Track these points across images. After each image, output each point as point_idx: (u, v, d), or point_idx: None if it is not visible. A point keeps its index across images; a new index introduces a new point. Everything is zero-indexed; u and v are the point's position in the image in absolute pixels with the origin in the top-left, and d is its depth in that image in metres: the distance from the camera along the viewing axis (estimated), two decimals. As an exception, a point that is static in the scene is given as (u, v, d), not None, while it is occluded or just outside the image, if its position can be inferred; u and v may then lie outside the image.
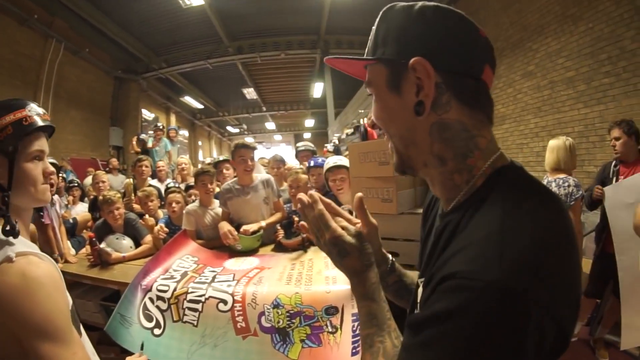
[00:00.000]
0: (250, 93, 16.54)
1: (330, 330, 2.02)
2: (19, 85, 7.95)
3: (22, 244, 1.06)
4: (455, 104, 0.70)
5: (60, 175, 4.33)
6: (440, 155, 0.73)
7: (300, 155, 5.24)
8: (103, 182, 4.56)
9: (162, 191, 4.45)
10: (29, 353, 0.96)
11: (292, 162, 5.13)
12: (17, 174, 1.10)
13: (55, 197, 3.81)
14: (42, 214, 3.23)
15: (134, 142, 8.25)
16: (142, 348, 1.79)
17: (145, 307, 2.35)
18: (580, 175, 4.18)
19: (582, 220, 3.72)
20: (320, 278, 2.33)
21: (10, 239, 1.04)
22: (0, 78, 7.38)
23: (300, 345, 2.02)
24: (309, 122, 22.01)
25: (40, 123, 1.16)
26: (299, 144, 5.56)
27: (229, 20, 10.44)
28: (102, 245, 3.11)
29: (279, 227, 3.25)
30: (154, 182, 5.45)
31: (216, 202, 3.55)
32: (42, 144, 1.18)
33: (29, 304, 0.96)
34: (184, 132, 18.66)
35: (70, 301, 1.14)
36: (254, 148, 3.32)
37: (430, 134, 0.72)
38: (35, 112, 1.16)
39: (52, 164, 3.61)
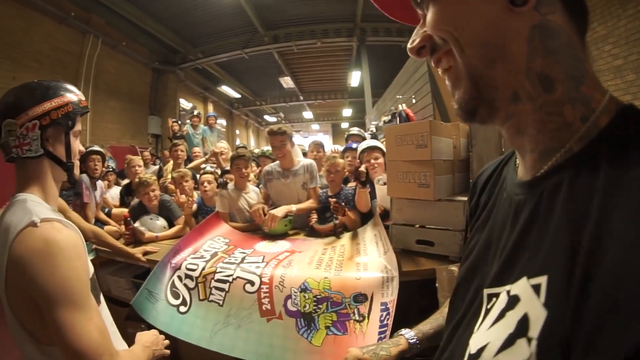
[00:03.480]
0: (287, 82, 16.55)
1: (357, 318, 1.96)
2: (60, 79, 8.07)
3: (50, 211, 1.11)
4: (560, 5, 0.50)
5: (106, 163, 4.48)
6: (545, 76, 0.50)
7: (351, 138, 5.28)
8: (140, 166, 4.72)
9: (197, 175, 4.51)
10: (46, 317, 0.98)
11: (332, 148, 5.22)
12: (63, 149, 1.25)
13: (99, 182, 3.94)
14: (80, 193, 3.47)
15: (170, 126, 8.44)
16: None
17: (173, 285, 2.37)
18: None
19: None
20: (351, 264, 2.27)
21: (36, 208, 1.08)
22: (42, 73, 7.63)
23: (325, 332, 1.97)
24: (347, 112, 21.82)
25: (88, 107, 1.34)
26: (352, 128, 5.67)
27: (263, 10, 10.41)
28: (136, 225, 3.19)
29: (313, 211, 3.22)
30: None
31: (250, 187, 3.60)
32: (80, 125, 1.31)
33: (48, 268, 0.98)
34: (222, 121, 18.88)
35: (92, 270, 1.18)
36: (282, 132, 3.28)
37: (529, 41, 0.50)
38: (83, 97, 1.33)
39: (97, 151, 3.80)
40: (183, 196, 3.39)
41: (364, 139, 5.12)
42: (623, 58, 5.20)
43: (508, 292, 0.51)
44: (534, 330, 0.43)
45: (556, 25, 0.49)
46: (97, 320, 1.05)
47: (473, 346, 0.53)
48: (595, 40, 5.66)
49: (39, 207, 1.09)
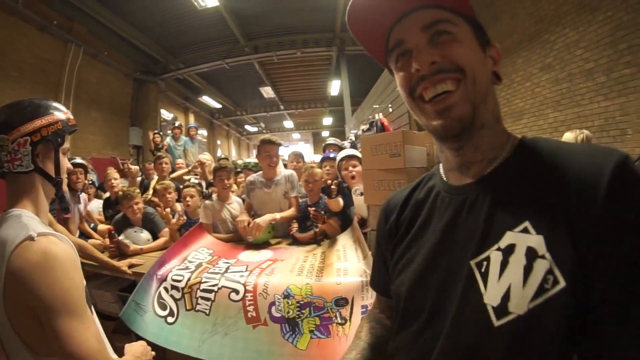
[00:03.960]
0: (267, 92, 16.60)
1: (339, 321, 2.04)
2: (40, 88, 8.17)
3: (43, 227, 1.16)
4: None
5: (87, 174, 4.48)
6: (497, 115, 0.79)
7: (328, 148, 5.41)
8: (115, 179, 4.69)
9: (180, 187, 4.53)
10: (45, 327, 1.03)
11: (310, 159, 5.29)
12: (52, 165, 1.30)
13: (82, 195, 3.96)
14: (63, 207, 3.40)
15: (152, 139, 8.38)
16: None
17: (159, 296, 2.41)
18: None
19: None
20: (331, 270, 2.35)
21: (31, 222, 1.14)
22: (23, 82, 7.62)
23: (309, 336, 2.04)
24: (327, 120, 21.99)
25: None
26: (329, 138, 5.85)
27: (244, 20, 10.50)
28: (121, 238, 3.21)
29: (293, 221, 3.29)
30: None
31: (233, 197, 3.65)
32: (68, 143, 1.36)
33: (48, 279, 1.04)
34: (203, 132, 18.84)
35: (84, 282, 1.22)
36: (280, 144, 3.41)
37: (494, 97, 0.79)
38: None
39: (79, 164, 3.81)
40: (167, 209, 3.43)
41: (341, 147, 5.27)
42: (594, 61, 5.39)
43: (499, 248, 0.67)
44: (542, 250, 0.61)
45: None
46: (94, 329, 1.12)
47: (492, 301, 0.65)
48: (568, 45, 5.88)
49: (33, 222, 1.15)
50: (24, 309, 1.05)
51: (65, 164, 1.36)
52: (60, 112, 1.31)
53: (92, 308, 1.28)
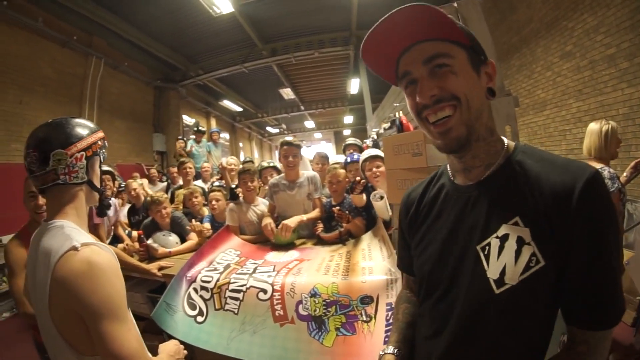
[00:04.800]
0: (287, 93, 16.57)
1: (364, 319, 2.08)
2: (64, 101, 8.41)
3: (85, 236, 1.23)
4: None
5: (117, 182, 4.61)
6: (491, 128, 0.98)
7: (348, 149, 5.51)
8: (135, 189, 4.80)
9: (207, 190, 4.66)
10: (91, 330, 1.12)
11: (333, 159, 5.33)
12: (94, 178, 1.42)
13: (112, 200, 4.09)
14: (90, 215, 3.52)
15: (178, 147, 8.60)
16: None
17: (189, 297, 2.49)
18: (627, 161, 3.76)
19: (630, 211, 3.52)
20: (357, 269, 2.38)
21: (73, 233, 1.21)
22: (48, 95, 7.83)
23: (335, 333, 2.08)
24: (348, 119, 21.86)
25: None
26: (348, 139, 5.88)
27: (259, 24, 10.52)
28: (150, 242, 3.31)
29: (318, 221, 3.33)
30: (199, 182, 5.70)
31: (259, 199, 3.71)
32: None
33: (94, 287, 1.12)
34: (225, 135, 19.02)
35: (124, 287, 1.29)
36: (297, 146, 3.46)
37: (488, 112, 0.97)
38: None
39: (107, 171, 3.95)
40: (198, 223, 3.55)
41: (360, 147, 5.39)
42: (615, 46, 5.18)
43: (497, 236, 0.90)
44: (528, 239, 0.85)
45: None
46: (134, 331, 1.21)
47: (493, 275, 0.89)
48: (587, 31, 5.68)
49: (75, 232, 1.22)
50: (69, 313, 1.13)
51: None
52: (100, 131, 1.44)
53: (129, 310, 1.35)
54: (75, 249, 1.14)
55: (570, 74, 6.27)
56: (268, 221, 3.21)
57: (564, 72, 6.42)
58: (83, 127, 1.36)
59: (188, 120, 14.58)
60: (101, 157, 1.43)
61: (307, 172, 3.65)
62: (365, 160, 3.30)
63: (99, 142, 1.41)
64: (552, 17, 6.48)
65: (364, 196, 3.13)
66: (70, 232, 1.21)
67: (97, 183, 1.42)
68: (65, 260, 1.13)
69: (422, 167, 2.33)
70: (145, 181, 6.86)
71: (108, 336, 1.10)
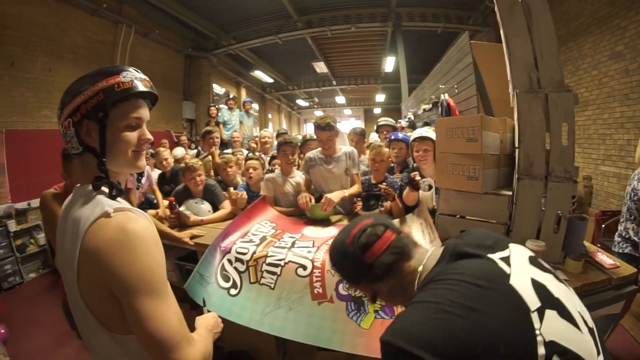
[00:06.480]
0: (320, 67, 16.44)
1: None
2: (94, 68, 8.18)
3: (118, 202, 1.11)
4: None
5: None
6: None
7: (381, 129, 5.32)
8: (166, 158, 4.82)
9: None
10: (125, 307, 0.99)
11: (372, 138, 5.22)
12: (110, 140, 1.13)
13: (147, 166, 4.05)
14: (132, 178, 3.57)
15: (212, 113, 8.68)
16: (204, 304, 1.78)
17: (223, 268, 2.46)
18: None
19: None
20: None
21: (104, 198, 1.09)
22: (78, 63, 7.84)
23: (373, 316, 2.05)
24: (380, 97, 21.59)
25: (139, 89, 1.17)
26: (380, 119, 5.58)
27: (297, -6, 10.26)
28: (182, 209, 3.28)
29: (357, 199, 3.26)
30: (229, 151, 5.61)
31: (296, 172, 3.67)
32: (139, 110, 1.20)
33: (129, 258, 0.98)
34: (255, 106, 18.98)
35: (164, 258, 1.15)
36: (329, 127, 3.28)
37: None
38: (132, 77, 1.17)
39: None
40: (236, 191, 3.46)
41: (394, 128, 5.20)
42: None
43: None
44: None
45: None
46: (175, 307, 1.06)
47: None
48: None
49: (107, 198, 1.10)
50: (100, 288, 1.01)
51: (133, 137, 1.17)
52: (104, 80, 1.11)
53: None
54: (107, 215, 1.02)
55: (617, 76, 5.93)
56: (305, 194, 3.16)
57: (611, 72, 6.07)
58: (76, 86, 1.11)
59: (218, 89, 14.61)
60: (95, 117, 1.10)
61: (344, 147, 3.56)
62: (415, 140, 3.20)
63: (92, 100, 1.08)
64: (605, 13, 6.10)
65: (417, 197, 3.00)
66: (101, 198, 1.09)
67: (108, 148, 1.13)
68: (97, 228, 1.00)
69: (476, 153, 2.28)
70: (181, 150, 6.80)
71: (146, 314, 0.97)
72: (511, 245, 1.05)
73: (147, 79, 1.23)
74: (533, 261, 1.00)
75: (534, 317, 0.81)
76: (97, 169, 1.13)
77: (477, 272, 0.92)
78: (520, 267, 0.94)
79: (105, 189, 1.13)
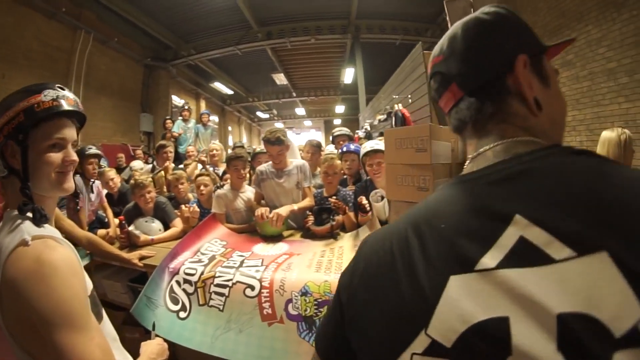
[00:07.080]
0: (280, 79, 16.43)
1: None
2: (49, 76, 8.09)
3: (41, 228, 1.04)
4: None
5: (100, 163, 4.31)
6: None
7: (337, 139, 5.23)
8: (112, 178, 4.49)
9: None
10: (46, 341, 0.92)
11: (326, 149, 5.18)
12: (32, 162, 1.07)
13: (97, 182, 3.92)
14: (77, 200, 3.32)
15: (168, 125, 8.36)
16: (153, 328, 1.71)
17: (171, 290, 2.37)
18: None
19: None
20: None
21: (26, 224, 1.01)
22: (31, 70, 7.54)
23: None
24: (339, 108, 21.83)
25: (62, 107, 1.12)
26: (335, 129, 5.53)
27: (257, 6, 10.34)
28: (131, 228, 3.13)
29: (309, 213, 3.20)
30: (181, 167, 5.50)
31: (246, 187, 3.57)
32: (63, 131, 1.13)
33: (43, 289, 0.92)
34: (214, 118, 18.81)
35: (91, 286, 1.11)
36: (278, 142, 3.20)
37: None
38: (55, 96, 1.11)
39: (95, 154, 3.75)
40: (185, 208, 3.35)
41: (350, 137, 5.16)
42: (617, 61, 5.26)
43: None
44: None
45: None
46: (99, 340, 0.99)
47: None
48: (590, 43, 5.75)
49: (28, 223, 1.04)
50: (23, 320, 0.94)
51: (57, 158, 1.12)
52: (25, 100, 1.07)
53: (103, 312, 1.18)
54: (25, 243, 0.96)
55: (569, 83, 6.33)
56: (263, 210, 3.04)
57: (562, 80, 6.44)
58: (7, 102, 1.07)
59: (177, 100, 14.33)
60: (16, 139, 1.05)
61: (296, 160, 3.51)
62: (366, 154, 3.15)
63: (13, 121, 1.05)
64: (556, 25, 6.56)
65: (371, 217, 2.98)
66: (24, 224, 1.02)
67: (31, 171, 1.08)
68: (14, 257, 0.95)
69: (425, 164, 2.22)
70: (139, 162, 6.63)
71: (65, 348, 0.91)
72: None
73: (74, 97, 1.19)
74: None
75: None
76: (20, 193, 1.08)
77: None
78: None
79: (30, 215, 1.06)
